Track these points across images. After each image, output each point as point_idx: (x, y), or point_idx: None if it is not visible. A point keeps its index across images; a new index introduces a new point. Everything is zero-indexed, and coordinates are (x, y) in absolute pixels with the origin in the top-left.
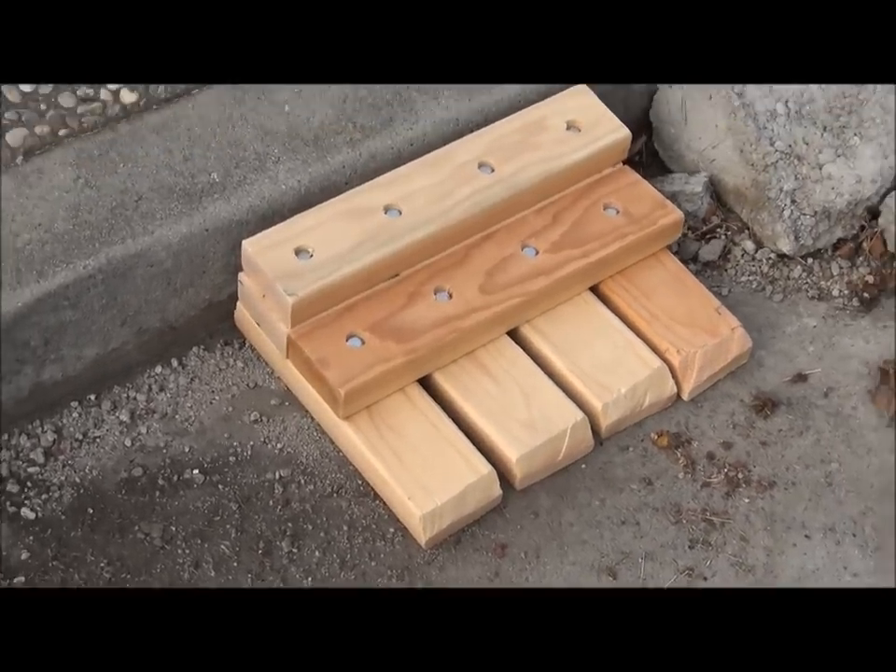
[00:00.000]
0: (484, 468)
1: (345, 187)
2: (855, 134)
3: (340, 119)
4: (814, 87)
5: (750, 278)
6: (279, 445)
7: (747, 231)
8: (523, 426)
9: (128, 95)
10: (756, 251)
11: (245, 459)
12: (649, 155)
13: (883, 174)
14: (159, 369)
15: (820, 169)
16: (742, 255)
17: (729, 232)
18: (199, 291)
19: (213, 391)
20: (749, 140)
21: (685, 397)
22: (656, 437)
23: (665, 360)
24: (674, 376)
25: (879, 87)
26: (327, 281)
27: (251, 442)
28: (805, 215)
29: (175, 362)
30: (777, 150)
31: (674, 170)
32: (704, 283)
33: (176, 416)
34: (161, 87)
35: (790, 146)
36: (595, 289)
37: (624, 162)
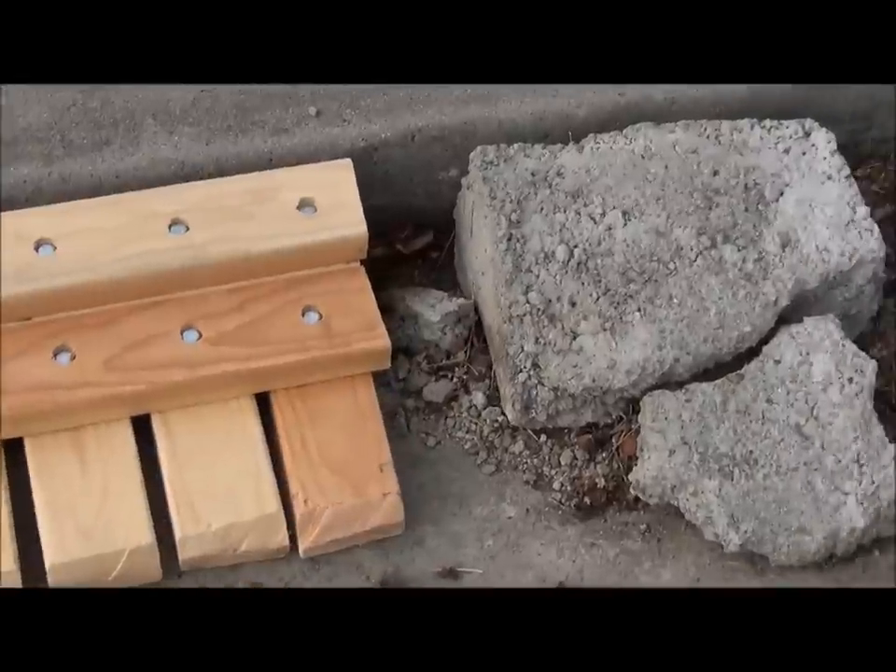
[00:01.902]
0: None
1: (24, 204)
2: (638, 310)
3: (51, 127)
4: (620, 236)
5: (467, 436)
6: None
7: (487, 382)
8: (79, 531)
9: None
10: (485, 408)
11: None
12: (451, 256)
13: (646, 366)
14: None
15: (574, 339)
16: (469, 407)
17: (466, 377)
18: None
19: None
20: (502, 280)
21: (300, 553)
22: (248, 587)
23: (290, 506)
24: (293, 527)
25: (700, 257)
26: None
27: None
28: (542, 385)
29: None
30: (528, 302)
31: (460, 284)
32: (417, 426)
33: None
34: None
35: (549, 301)
36: (266, 396)
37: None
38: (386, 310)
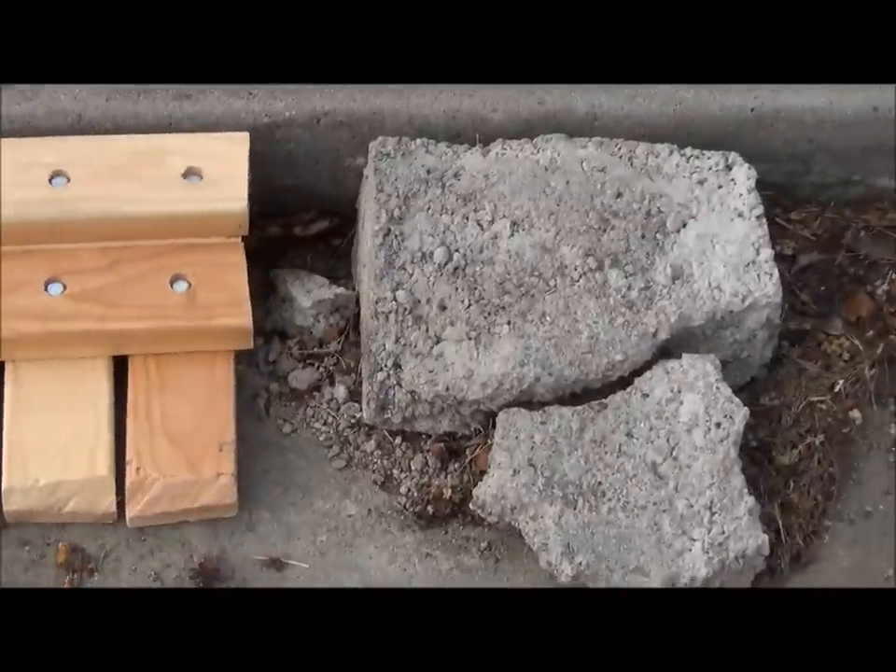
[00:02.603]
0: None
1: None
2: (508, 323)
3: None
4: (504, 246)
5: (324, 428)
6: None
7: (354, 376)
8: None
9: None
10: (345, 402)
11: None
12: (352, 245)
13: (503, 381)
14: None
15: (436, 343)
16: (330, 399)
17: (333, 368)
18: None
19: None
20: (372, 274)
21: (127, 522)
22: (61, 547)
23: (122, 472)
24: (123, 493)
25: (584, 279)
26: None
27: None
28: (400, 387)
29: None
30: (395, 300)
31: (353, 274)
32: (276, 411)
33: None
34: None
35: (417, 301)
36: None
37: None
38: (272, 291)
